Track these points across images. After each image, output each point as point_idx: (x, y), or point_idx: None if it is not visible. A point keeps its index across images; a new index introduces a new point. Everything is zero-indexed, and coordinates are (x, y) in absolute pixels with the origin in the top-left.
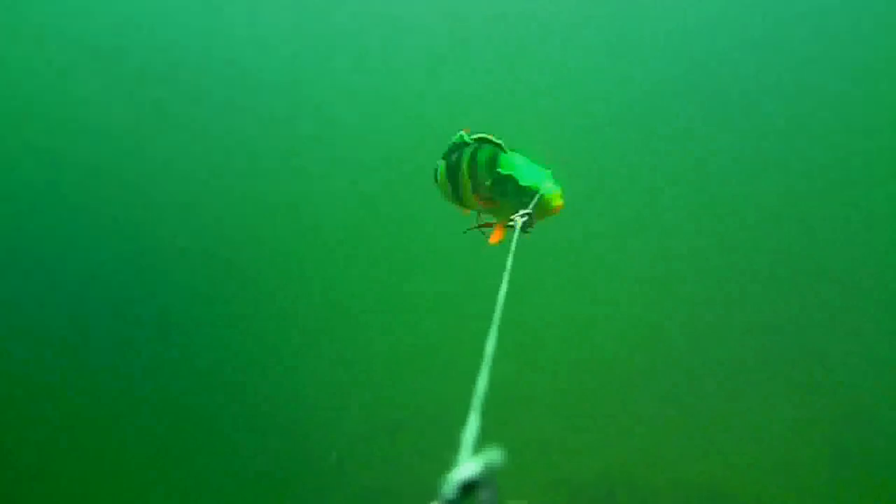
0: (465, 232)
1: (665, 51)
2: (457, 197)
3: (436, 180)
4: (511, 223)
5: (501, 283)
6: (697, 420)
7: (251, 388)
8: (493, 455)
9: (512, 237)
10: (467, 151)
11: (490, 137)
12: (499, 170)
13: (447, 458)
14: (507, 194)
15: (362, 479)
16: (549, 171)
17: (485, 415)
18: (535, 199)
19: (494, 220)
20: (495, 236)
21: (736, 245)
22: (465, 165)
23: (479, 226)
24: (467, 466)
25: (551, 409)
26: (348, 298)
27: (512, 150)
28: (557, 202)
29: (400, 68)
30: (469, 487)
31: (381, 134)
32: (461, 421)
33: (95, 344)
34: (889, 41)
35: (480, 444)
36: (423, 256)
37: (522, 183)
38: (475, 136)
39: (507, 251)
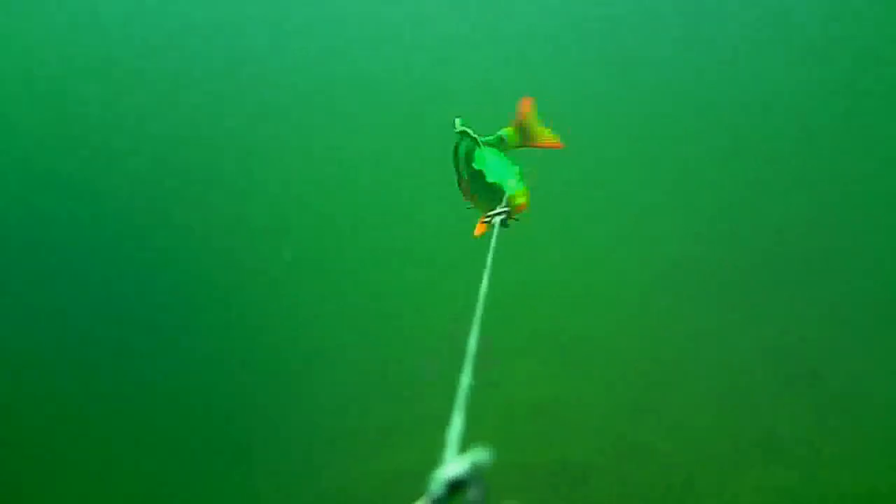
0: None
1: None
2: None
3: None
4: (488, 220)
5: (482, 281)
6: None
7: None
8: (481, 454)
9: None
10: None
11: (468, 131)
12: (473, 165)
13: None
14: (478, 190)
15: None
16: (517, 168)
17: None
18: (505, 198)
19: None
20: (478, 229)
21: None
22: (453, 158)
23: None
24: (454, 465)
25: None
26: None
27: (487, 144)
28: (520, 200)
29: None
30: (457, 485)
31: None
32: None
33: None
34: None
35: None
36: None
37: (489, 179)
38: (458, 130)
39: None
